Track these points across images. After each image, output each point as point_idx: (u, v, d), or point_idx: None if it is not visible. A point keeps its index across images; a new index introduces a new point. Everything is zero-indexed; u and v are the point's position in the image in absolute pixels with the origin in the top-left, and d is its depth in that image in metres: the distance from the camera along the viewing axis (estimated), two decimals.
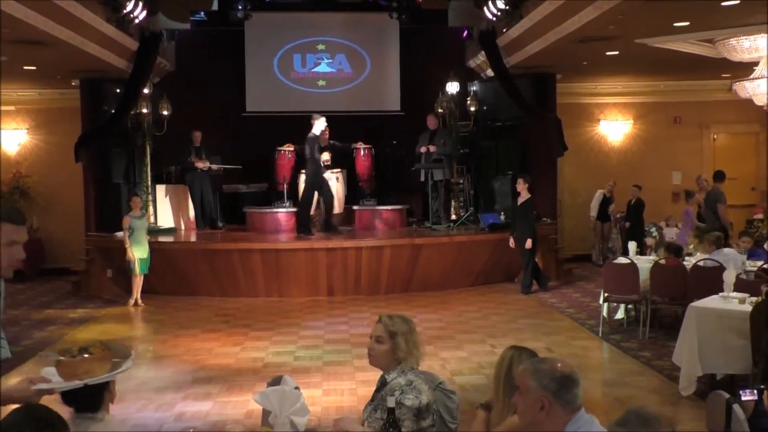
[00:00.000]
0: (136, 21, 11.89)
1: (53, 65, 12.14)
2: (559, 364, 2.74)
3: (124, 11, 11.36)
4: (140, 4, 11.57)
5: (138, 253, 11.14)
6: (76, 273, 13.13)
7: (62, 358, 2.97)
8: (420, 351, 3.69)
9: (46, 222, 14.84)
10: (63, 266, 14.30)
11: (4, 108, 14.83)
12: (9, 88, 14.39)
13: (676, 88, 15.93)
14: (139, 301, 11.32)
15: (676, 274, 8.62)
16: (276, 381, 3.68)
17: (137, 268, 11.17)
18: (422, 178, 13.70)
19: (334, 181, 13.43)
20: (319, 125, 12.56)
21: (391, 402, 3.26)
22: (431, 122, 13.62)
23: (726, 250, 8.93)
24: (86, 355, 2.97)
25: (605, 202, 15.26)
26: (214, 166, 13.73)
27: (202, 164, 13.49)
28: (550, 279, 12.41)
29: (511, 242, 11.72)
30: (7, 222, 2.68)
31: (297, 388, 3.60)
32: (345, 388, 7.06)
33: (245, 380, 7.34)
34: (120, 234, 12.63)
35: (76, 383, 2.92)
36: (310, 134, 12.46)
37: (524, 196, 11.68)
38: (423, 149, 13.40)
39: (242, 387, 7.10)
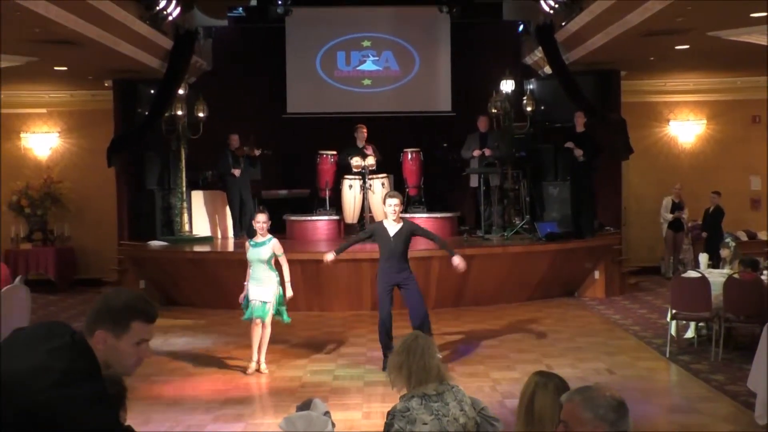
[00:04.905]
0: (170, 18, 12.07)
1: (85, 66, 12.40)
2: (608, 392, 2.66)
3: (158, 8, 11.55)
4: (174, 0, 11.76)
5: (256, 293, 8.40)
6: (108, 284, 13.19)
7: None
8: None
9: (78, 230, 15.12)
10: (95, 277, 14.32)
11: (35, 111, 15.21)
12: (40, 90, 14.80)
13: (755, 85, 15.51)
14: (262, 365, 8.36)
15: (753, 290, 8.39)
16: (305, 405, 3.68)
17: (254, 312, 8.37)
18: (473, 184, 13.61)
19: (380, 186, 13.42)
20: None
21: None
22: (482, 124, 13.56)
23: None
24: None
25: (675, 208, 14.98)
26: (257, 151, 13.70)
27: (237, 170, 13.52)
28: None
29: None
30: (140, 321, 2.71)
31: (327, 413, 3.58)
32: (386, 411, 6.99)
33: (281, 401, 7.35)
34: (155, 243, 12.85)
35: None
36: None
37: (397, 222, 8.47)
38: (476, 153, 13.34)
39: (277, 408, 7.09)
